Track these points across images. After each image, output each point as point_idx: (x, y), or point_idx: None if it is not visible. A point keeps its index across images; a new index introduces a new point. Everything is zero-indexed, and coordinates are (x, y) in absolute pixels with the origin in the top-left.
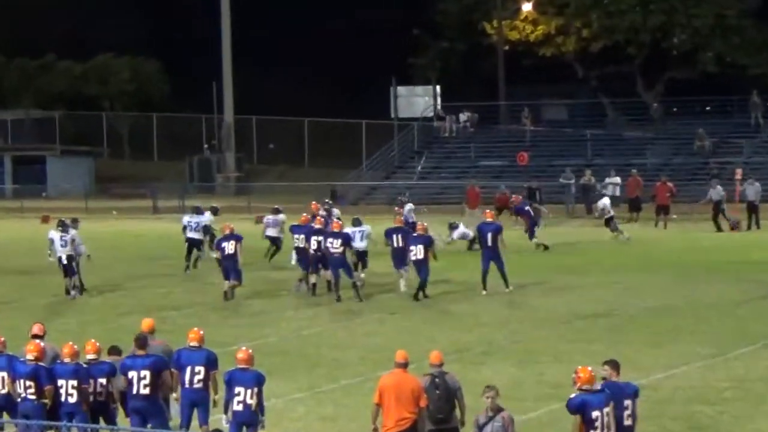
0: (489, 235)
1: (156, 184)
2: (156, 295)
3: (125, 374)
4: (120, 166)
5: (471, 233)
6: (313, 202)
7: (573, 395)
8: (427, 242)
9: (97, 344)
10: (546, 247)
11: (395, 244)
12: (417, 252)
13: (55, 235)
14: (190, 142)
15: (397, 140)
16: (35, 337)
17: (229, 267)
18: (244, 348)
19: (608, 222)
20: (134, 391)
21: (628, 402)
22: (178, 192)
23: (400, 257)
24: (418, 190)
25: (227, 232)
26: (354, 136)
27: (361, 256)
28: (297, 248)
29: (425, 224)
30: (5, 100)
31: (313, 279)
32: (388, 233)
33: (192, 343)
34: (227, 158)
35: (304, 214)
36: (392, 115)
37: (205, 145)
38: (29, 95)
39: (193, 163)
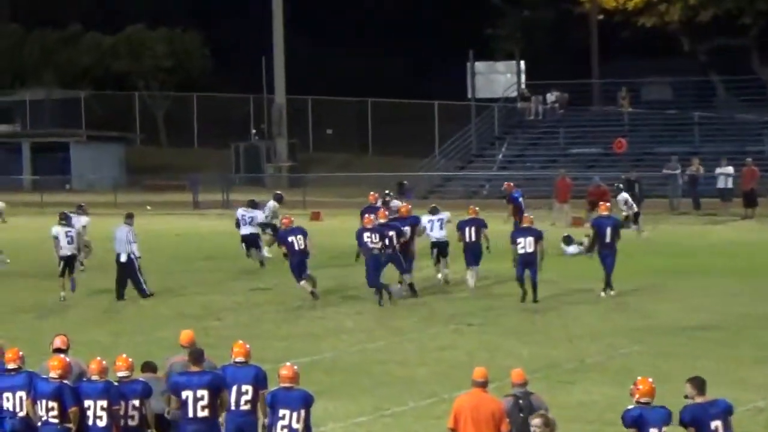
0: (608, 230)
1: (196, 175)
2: (196, 303)
3: (178, 394)
4: (155, 154)
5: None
6: (372, 193)
7: (630, 407)
8: (538, 235)
9: (130, 360)
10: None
11: (468, 239)
12: (526, 245)
13: (59, 231)
14: (236, 127)
15: (474, 124)
16: (58, 351)
17: (302, 264)
18: (288, 364)
19: (635, 217)
20: (190, 414)
21: (716, 423)
22: (221, 184)
23: (472, 253)
24: (497, 183)
25: (289, 224)
26: (425, 120)
27: (442, 248)
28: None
29: (532, 216)
30: (23, 78)
31: (407, 279)
32: (461, 226)
33: (238, 359)
34: (278, 145)
35: (367, 216)
36: (469, 96)
37: (253, 130)
38: (50, 72)
39: (239, 150)
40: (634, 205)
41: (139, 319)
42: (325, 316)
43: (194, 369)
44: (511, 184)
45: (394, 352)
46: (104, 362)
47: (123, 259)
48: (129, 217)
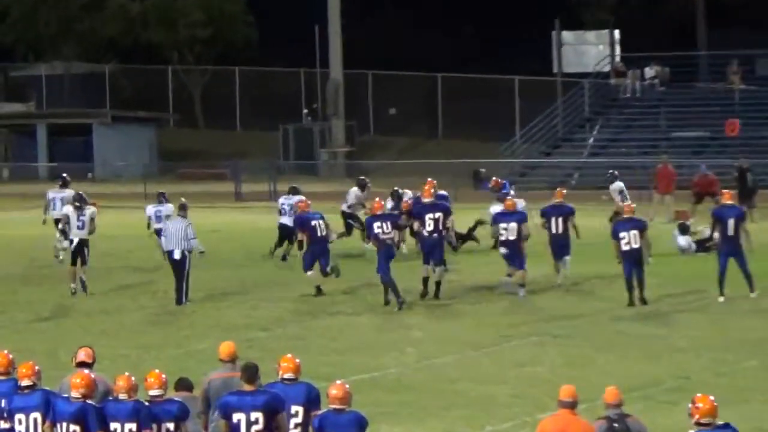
0: (731, 222)
1: (239, 163)
2: (238, 310)
3: (228, 417)
4: (191, 137)
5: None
6: (377, 200)
7: None
8: (643, 227)
9: (163, 376)
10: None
11: (554, 230)
12: (630, 240)
13: (71, 211)
14: (285, 106)
15: (561, 103)
16: (82, 365)
17: (325, 252)
18: (339, 382)
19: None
20: None
21: None
22: (268, 173)
23: (559, 245)
24: (589, 172)
25: (306, 208)
26: (504, 98)
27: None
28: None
29: (633, 204)
30: (39, 50)
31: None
32: (547, 213)
33: (286, 375)
34: (334, 127)
35: (377, 200)
36: (555, 70)
37: (305, 110)
38: (71, 44)
39: (289, 133)
40: (628, 197)
41: (171, 329)
42: (388, 326)
43: (247, 388)
44: (498, 180)
45: (468, 368)
46: (133, 379)
47: (177, 255)
48: (183, 209)
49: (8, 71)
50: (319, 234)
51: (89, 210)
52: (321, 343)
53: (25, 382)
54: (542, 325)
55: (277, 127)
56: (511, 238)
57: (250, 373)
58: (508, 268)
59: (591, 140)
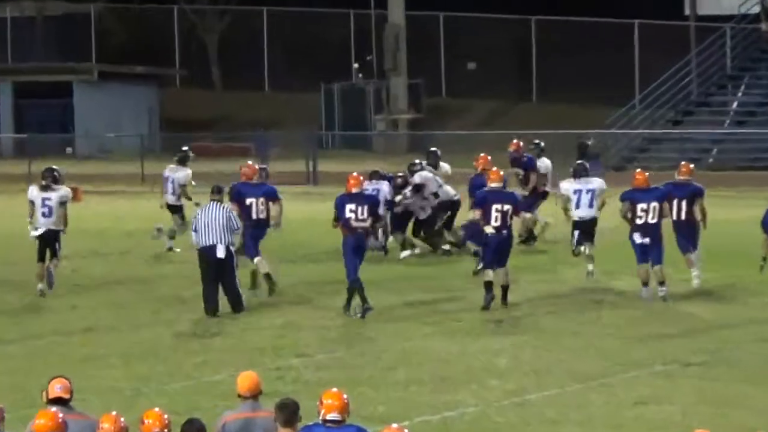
0: None
1: (267, 134)
2: (266, 329)
3: None
4: (204, 101)
5: None
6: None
7: None
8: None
9: (165, 417)
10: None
11: (676, 215)
12: None
13: (36, 196)
14: (329, 60)
15: (695, 57)
16: (57, 402)
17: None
18: (396, 426)
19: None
20: None
21: None
22: (306, 147)
23: (684, 234)
24: (730, 145)
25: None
26: (619, 50)
27: (588, 228)
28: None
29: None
30: None
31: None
32: (668, 193)
33: (331, 416)
34: (394, 87)
35: (354, 176)
36: (686, 12)
37: (355, 65)
38: None
39: (334, 95)
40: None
41: (178, 354)
42: (465, 351)
43: None
44: (518, 143)
45: (571, 407)
46: (123, 420)
47: (221, 253)
48: (218, 192)
49: None
50: (255, 216)
51: (59, 192)
52: (376, 374)
53: None
54: (669, 349)
55: (317, 86)
56: (652, 221)
57: (288, 413)
58: (639, 267)
59: (734, 105)
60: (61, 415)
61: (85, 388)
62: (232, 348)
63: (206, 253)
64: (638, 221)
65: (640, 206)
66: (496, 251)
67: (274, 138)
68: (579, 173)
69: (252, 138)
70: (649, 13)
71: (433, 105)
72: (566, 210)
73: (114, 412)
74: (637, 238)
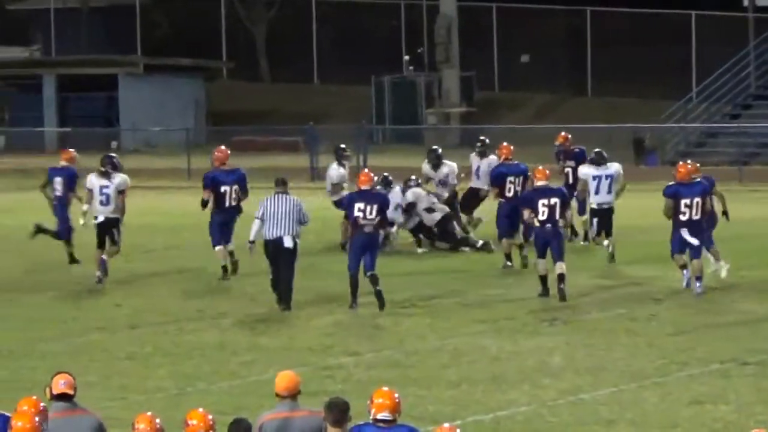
0: None
1: (316, 128)
2: (315, 326)
3: None
4: (251, 93)
5: None
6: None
7: None
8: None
9: (210, 417)
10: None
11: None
12: None
13: (95, 183)
14: (379, 52)
15: (753, 49)
16: (62, 397)
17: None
18: (448, 426)
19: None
20: None
21: None
22: (356, 141)
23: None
24: None
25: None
26: (675, 42)
27: (605, 217)
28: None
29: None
30: None
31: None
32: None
33: (382, 415)
34: (446, 80)
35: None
36: (744, 3)
37: (406, 57)
38: None
39: (384, 88)
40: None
41: (225, 353)
42: (518, 350)
43: None
44: (566, 135)
45: (626, 406)
46: (158, 422)
47: (289, 243)
48: (283, 184)
49: (4, 3)
50: (227, 203)
51: (117, 179)
52: (427, 373)
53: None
54: (726, 347)
55: (368, 79)
56: (696, 217)
57: (337, 413)
58: (679, 258)
59: None
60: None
61: (130, 387)
62: (281, 347)
63: (274, 243)
64: (682, 217)
65: (684, 201)
66: (544, 244)
67: (323, 132)
68: (597, 161)
69: (300, 132)
70: (706, 4)
71: (486, 98)
72: (584, 194)
73: (149, 413)
74: (686, 235)
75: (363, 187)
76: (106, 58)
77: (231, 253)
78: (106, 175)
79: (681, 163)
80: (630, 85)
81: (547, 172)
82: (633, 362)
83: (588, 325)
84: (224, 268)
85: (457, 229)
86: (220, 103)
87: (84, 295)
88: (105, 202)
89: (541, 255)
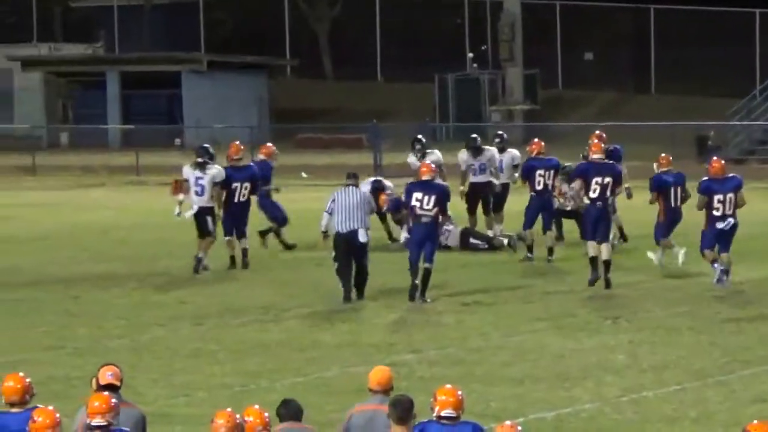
0: None
1: (379, 126)
2: (378, 323)
3: None
4: (314, 91)
5: None
6: None
7: None
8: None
9: (266, 414)
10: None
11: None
12: None
13: (190, 173)
14: (442, 49)
15: None
16: (106, 389)
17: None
18: (509, 424)
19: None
20: None
21: None
22: (423, 136)
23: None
24: None
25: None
26: (739, 40)
27: None
28: None
29: None
30: None
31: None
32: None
33: (446, 412)
34: (510, 78)
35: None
36: None
37: (469, 54)
38: None
39: (448, 86)
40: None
41: (289, 350)
42: (581, 347)
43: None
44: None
45: (690, 405)
46: (237, 416)
47: (363, 238)
48: (354, 177)
49: (68, 1)
50: (236, 199)
51: (212, 171)
52: (490, 370)
53: (96, 421)
54: None
55: (431, 77)
56: (729, 212)
57: (401, 410)
58: (709, 254)
59: None
60: (114, 399)
61: (193, 384)
62: (344, 344)
63: (346, 237)
64: (715, 212)
65: (717, 197)
66: (594, 223)
67: (386, 129)
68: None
69: (364, 129)
70: None
71: (549, 96)
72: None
73: (229, 409)
74: (720, 226)
75: (423, 178)
76: (169, 55)
77: (244, 251)
78: (202, 166)
79: (715, 158)
80: (694, 83)
81: (603, 145)
82: (696, 360)
83: (651, 323)
84: (232, 258)
85: (475, 240)
86: (284, 101)
87: (148, 292)
88: (200, 193)
89: (591, 236)
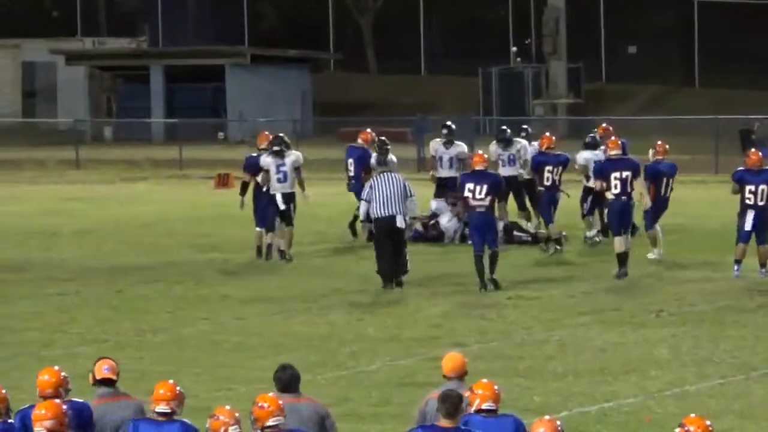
0: None
1: (424, 119)
2: (421, 317)
3: None
4: (358, 85)
5: None
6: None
7: None
8: None
9: (281, 402)
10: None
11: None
12: None
13: (270, 162)
14: (487, 43)
15: None
16: (103, 383)
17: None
18: (549, 418)
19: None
20: None
21: None
22: (464, 131)
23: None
24: None
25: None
26: None
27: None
28: None
29: None
30: None
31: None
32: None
33: (486, 405)
34: (553, 71)
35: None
36: None
37: (513, 48)
38: None
39: (492, 79)
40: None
41: (331, 343)
42: (624, 341)
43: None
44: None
45: (734, 399)
46: (281, 401)
47: (400, 223)
48: (385, 164)
49: None
50: (264, 188)
51: (291, 157)
52: (533, 364)
53: (160, 408)
54: None
55: (475, 71)
56: (760, 203)
57: (450, 405)
58: (738, 246)
59: None
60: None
61: (235, 378)
62: (387, 338)
63: (385, 222)
64: (747, 202)
65: (748, 188)
66: (619, 215)
67: (430, 123)
68: (593, 144)
69: (409, 123)
70: None
71: (593, 90)
72: (587, 178)
73: (268, 396)
74: (748, 220)
75: (477, 168)
76: (212, 49)
77: (269, 246)
78: (280, 153)
79: (753, 150)
80: (738, 76)
81: (620, 141)
82: (740, 354)
83: (694, 317)
84: (258, 248)
85: (519, 233)
86: (327, 95)
87: (191, 285)
88: (282, 179)
89: (617, 232)
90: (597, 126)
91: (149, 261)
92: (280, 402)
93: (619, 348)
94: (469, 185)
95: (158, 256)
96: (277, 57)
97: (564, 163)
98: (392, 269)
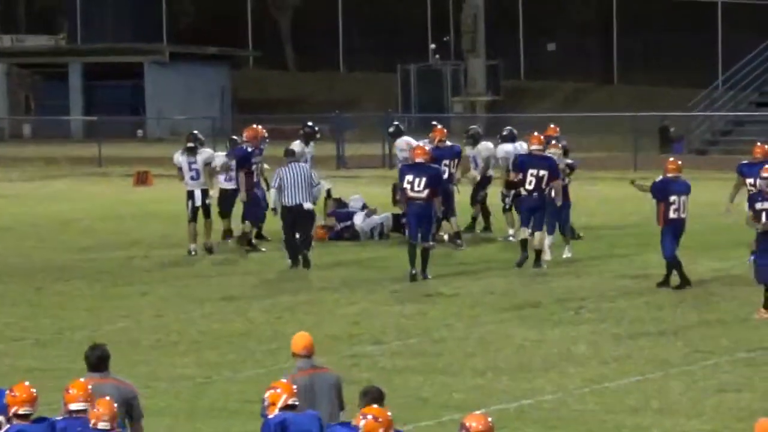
0: None
1: (343, 116)
2: (340, 315)
3: None
4: (277, 82)
5: None
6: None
7: None
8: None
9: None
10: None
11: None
12: None
13: (182, 160)
14: (405, 40)
15: None
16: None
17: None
18: (479, 413)
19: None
20: None
21: None
22: (382, 129)
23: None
24: None
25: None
26: (701, 29)
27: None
28: None
29: None
30: None
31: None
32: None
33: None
34: (472, 68)
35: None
36: None
37: (432, 45)
38: None
39: (410, 76)
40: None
41: (250, 341)
42: (543, 338)
43: None
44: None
45: (651, 395)
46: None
47: (310, 206)
48: (292, 154)
49: None
50: (255, 179)
51: (204, 154)
52: (452, 361)
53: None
54: (754, 336)
55: (394, 67)
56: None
57: (372, 399)
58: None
59: None
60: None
61: (155, 375)
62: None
63: (295, 208)
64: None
65: (749, 181)
66: (530, 212)
67: (349, 120)
68: (509, 138)
69: (327, 120)
70: None
71: (512, 87)
72: (508, 172)
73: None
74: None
75: (417, 160)
76: (131, 46)
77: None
78: (192, 150)
79: (759, 144)
80: (657, 73)
81: (542, 137)
82: (659, 351)
83: (614, 314)
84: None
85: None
86: (246, 92)
87: (109, 283)
88: (196, 177)
89: (526, 224)
90: (513, 123)
91: (68, 259)
92: (89, 385)
93: (539, 345)
94: (408, 177)
95: (77, 254)
96: (196, 54)
97: (457, 155)
98: (299, 247)
